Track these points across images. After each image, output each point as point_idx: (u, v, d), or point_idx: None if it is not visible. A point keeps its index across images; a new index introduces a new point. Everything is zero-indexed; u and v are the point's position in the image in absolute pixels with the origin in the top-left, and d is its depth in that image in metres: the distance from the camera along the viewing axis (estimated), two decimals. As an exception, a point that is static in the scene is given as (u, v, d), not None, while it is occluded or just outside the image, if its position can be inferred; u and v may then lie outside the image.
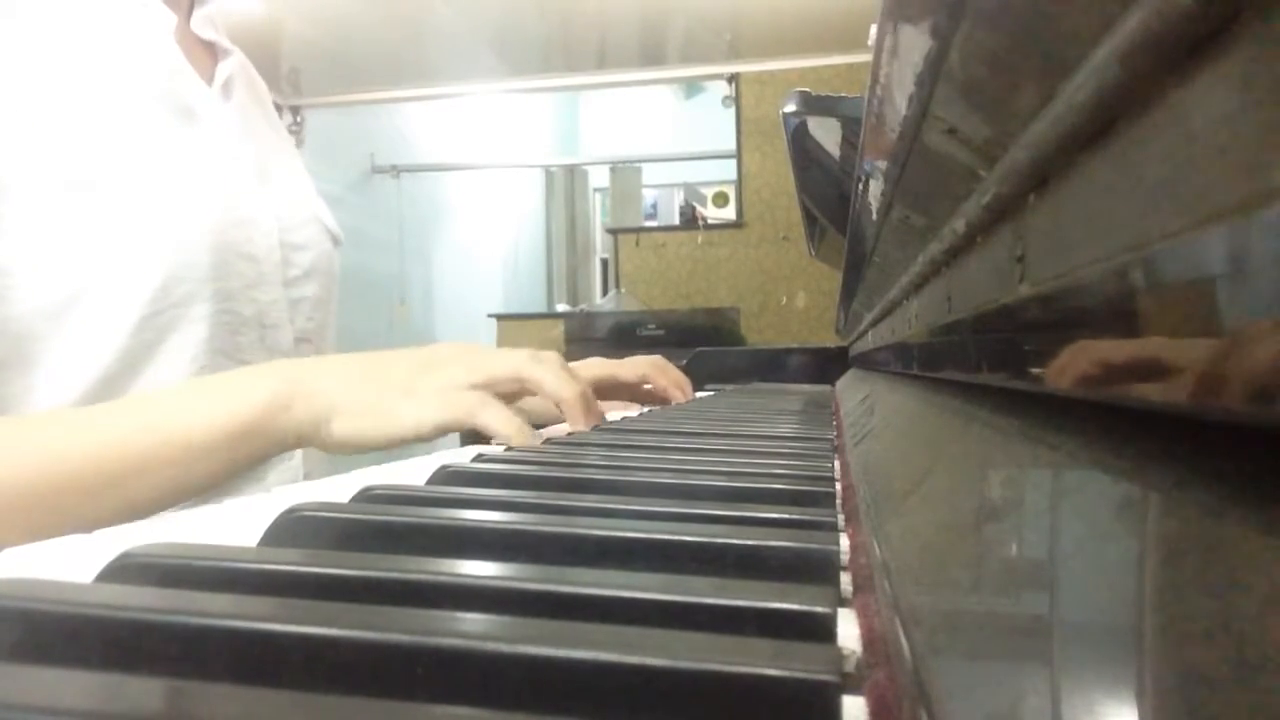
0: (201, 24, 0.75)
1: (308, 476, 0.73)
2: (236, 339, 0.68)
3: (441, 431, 0.53)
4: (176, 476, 0.50)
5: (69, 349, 0.59)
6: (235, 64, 0.76)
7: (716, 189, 5.19)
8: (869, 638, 0.18)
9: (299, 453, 0.72)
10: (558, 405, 0.58)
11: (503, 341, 3.71)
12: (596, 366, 0.89)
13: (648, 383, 0.94)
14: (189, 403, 0.52)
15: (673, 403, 0.94)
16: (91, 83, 0.63)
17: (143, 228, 0.62)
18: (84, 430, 0.49)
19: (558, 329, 3.45)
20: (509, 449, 0.48)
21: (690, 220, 4.14)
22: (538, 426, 0.58)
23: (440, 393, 0.54)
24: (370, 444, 0.53)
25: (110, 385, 0.61)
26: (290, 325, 0.74)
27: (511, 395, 0.57)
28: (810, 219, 1.47)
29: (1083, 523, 0.16)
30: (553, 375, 0.57)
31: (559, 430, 0.59)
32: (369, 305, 3.87)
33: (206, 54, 0.76)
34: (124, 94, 0.65)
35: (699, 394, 1.09)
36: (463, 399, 0.53)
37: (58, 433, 0.48)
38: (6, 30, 0.60)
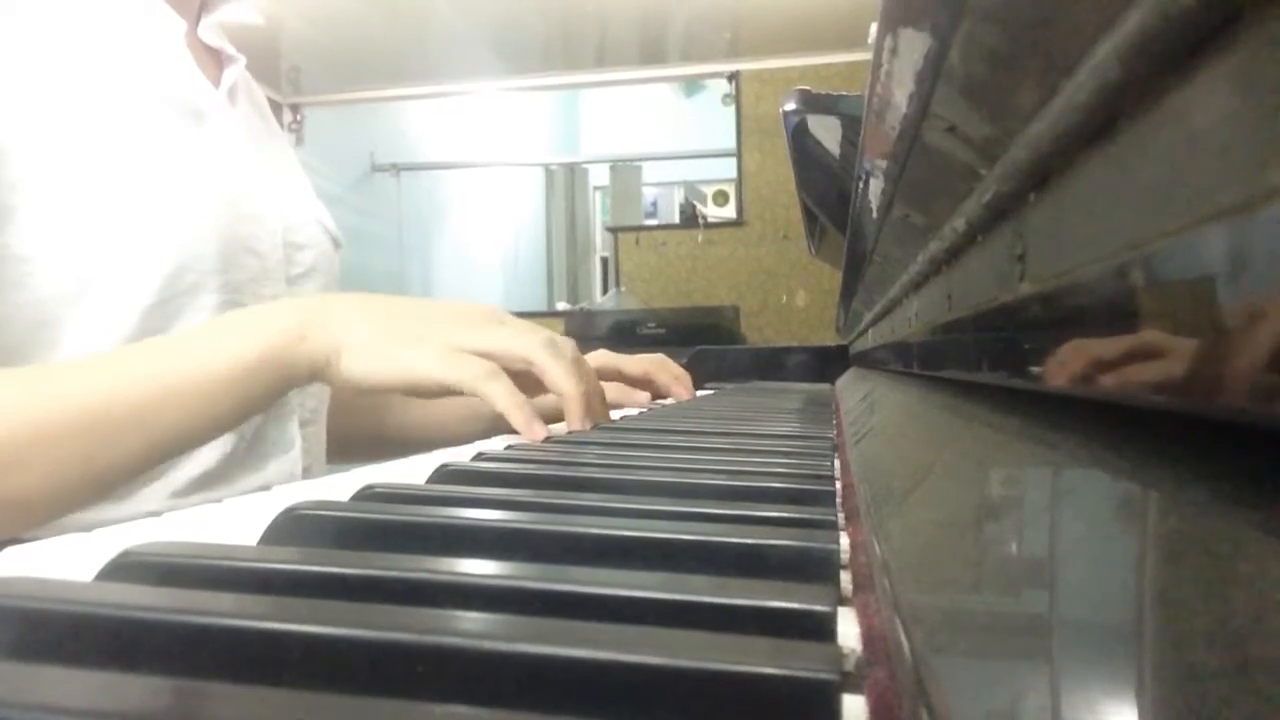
0: (208, 31, 0.76)
1: (306, 470, 0.73)
2: None
3: (441, 388, 0.53)
4: (198, 410, 0.50)
5: (82, 335, 0.60)
6: (239, 71, 0.78)
7: (716, 187, 5.18)
8: (869, 637, 0.18)
9: (298, 445, 0.72)
10: (559, 397, 0.57)
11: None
12: (601, 357, 0.90)
13: (650, 379, 0.94)
14: (206, 338, 0.53)
15: (674, 398, 0.95)
16: (105, 81, 0.64)
17: (153, 218, 0.63)
18: (104, 372, 0.49)
19: (558, 328, 3.45)
20: (509, 447, 0.48)
21: (690, 219, 4.13)
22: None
23: (450, 351, 0.53)
24: (372, 384, 0.53)
25: None
26: None
27: (521, 375, 0.56)
28: (810, 217, 1.47)
29: (1082, 522, 0.16)
30: (562, 368, 0.56)
31: (559, 429, 0.59)
32: (369, 304, 3.86)
33: (213, 60, 0.77)
34: (136, 93, 0.66)
35: (699, 393, 1.09)
36: (471, 364, 0.53)
37: (82, 377, 0.49)
38: (22, 27, 0.61)
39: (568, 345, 0.59)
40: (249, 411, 0.54)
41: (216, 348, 0.51)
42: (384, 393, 0.54)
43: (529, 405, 0.53)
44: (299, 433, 0.73)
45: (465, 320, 0.56)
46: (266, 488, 0.36)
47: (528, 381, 0.56)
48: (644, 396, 0.91)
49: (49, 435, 0.46)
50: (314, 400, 0.77)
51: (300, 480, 0.72)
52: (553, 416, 0.57)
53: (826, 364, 1.69)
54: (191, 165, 0.67)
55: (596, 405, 0.60)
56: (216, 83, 0.75)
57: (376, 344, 0.53)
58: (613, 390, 0.87)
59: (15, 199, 0.58)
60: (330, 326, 0.53)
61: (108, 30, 0.67)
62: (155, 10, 0.71)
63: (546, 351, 0.56)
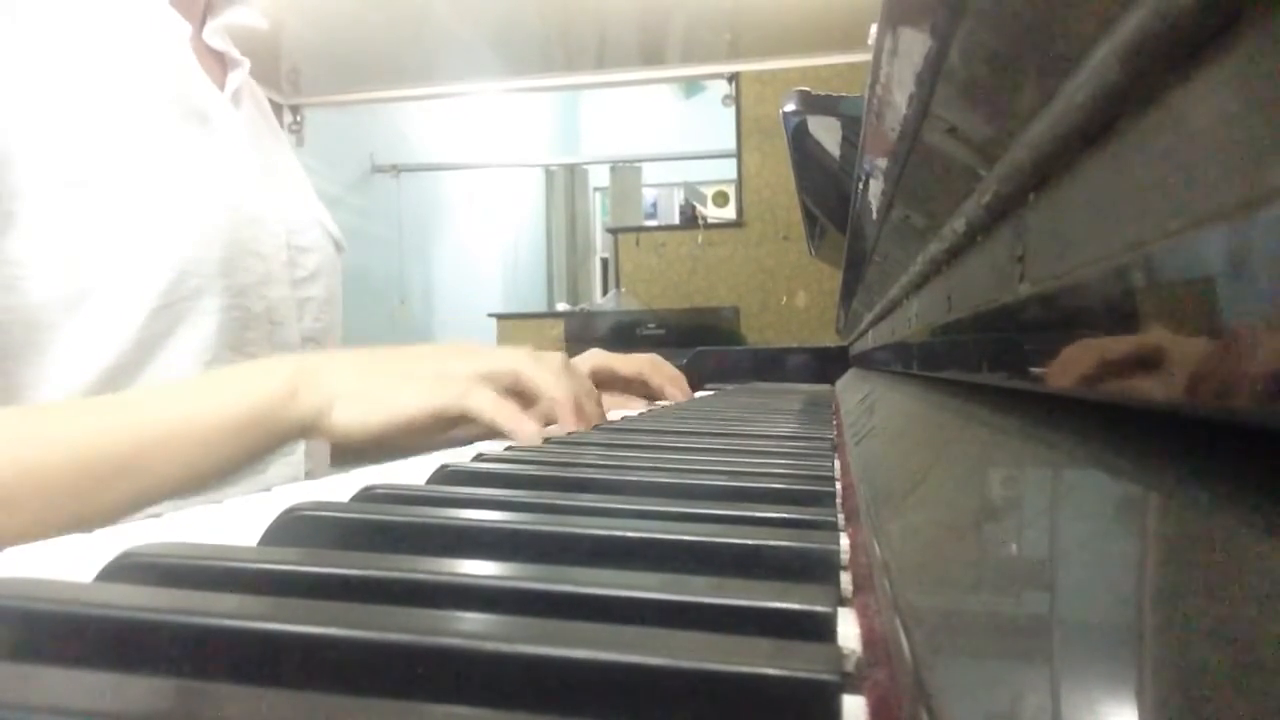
0: (213, 34, 0.77)
1: (309, 474, 0.73)
2: (245, 334, 0.69)
3: (435, 416, 0.53)
4: (187, 463, 0.50)
5: (80, 339, 0.60)
6: (244, 74, 0.78)
7: (716, 188, 5.18)
8: (869, 637, 0.18)
9: (300, 449, 0.72)
10: (551, 403, 0.57)
11: (502, 341, 3.72)
12: (595, 357, 0.90)
13: (644, 378, 0.94)
14: (199, 392, 0.53)
15: (670, 400, 0.94)
16: (106, 83, 0.64)
17: (155, 223, 0.63)
18: (98, 418, 0.49)
19: (558, 328, 3.45)
20: (509, 448, 0.48)
21: (690, 219, 4.13)
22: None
23: (435, 379, 0.54)
24: (368, 430, 0.54)
25: (119, 376, 0.62)
26: (297, 324, 0.75)
27: (511, 393, 0.56)
28: (810, 218, 1.47)
29: (1082, 522, 0.16)
30: (550, 375, 0.57)
31: (557, 430, 0.59)
32: (369, 305, 3.87)
33: (217, 64, 0.78)
34: (139, 95, 0.66)
35: (699, 394, 1.09)
36: (456, 385, 0.54)
37: (72, 421, 0.49)
38: (25, 31, 0.61)
39: (554, 357, 0.60)
40: (238, 466, 0.54)
41: (208, 402, 0.51)
42: (381, 443, 0.54)
43: (517, 409, 0.53)
44: None
45: (450, 353, 0.57)
46: (268, 490, 0.36)
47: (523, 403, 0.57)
48: (639, 404, 0.91)
49: (38, 478, 0.46)
50: None
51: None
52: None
53: (826, 365, 1.69)
54: (196, 168, 0.67)
55: (589, 408, 0.61)
56: (221, 86, 0.75)
57: (367, 391, 0.54)
58: (608, 401, 0.87)
59: (15, 205, 0.58)
60: (322, 382, 0.54)
61: (112, 33, 0.67)
62: (159, 13, 0.71)
63: (532, 364, 0.57)
